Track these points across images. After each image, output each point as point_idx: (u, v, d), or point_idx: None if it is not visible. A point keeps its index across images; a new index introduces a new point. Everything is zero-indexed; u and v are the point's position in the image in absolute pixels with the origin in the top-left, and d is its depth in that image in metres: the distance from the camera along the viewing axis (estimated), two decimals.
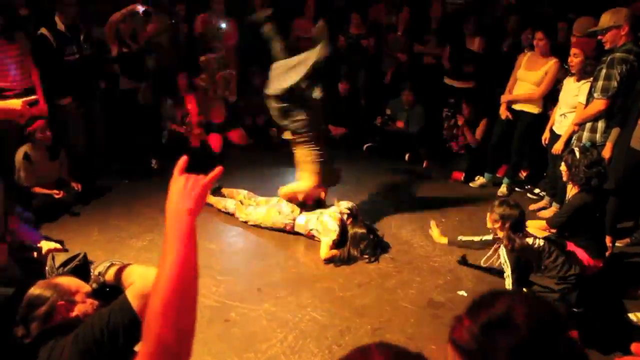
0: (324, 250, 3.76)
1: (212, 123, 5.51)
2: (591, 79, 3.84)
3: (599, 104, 3.67)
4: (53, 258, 2.41)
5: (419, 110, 5.83)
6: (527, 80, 4.57)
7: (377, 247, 3.88)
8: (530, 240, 2.99)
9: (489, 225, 3.15)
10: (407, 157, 5.78)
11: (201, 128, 5.31)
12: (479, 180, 5.17)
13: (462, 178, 5.26)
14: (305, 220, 4.01)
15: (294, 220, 4.04)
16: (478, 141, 5.40)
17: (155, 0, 5.22)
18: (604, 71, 3.61)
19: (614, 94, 3.59)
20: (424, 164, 5.60)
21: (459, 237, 3.61)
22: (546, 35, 4.42)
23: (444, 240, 3.63)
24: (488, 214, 3.15)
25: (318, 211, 4.05)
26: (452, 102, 5.66)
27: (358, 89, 6.35)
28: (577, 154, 3.19)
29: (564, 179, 3.36)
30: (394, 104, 5.97)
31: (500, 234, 3.07)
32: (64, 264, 2.35)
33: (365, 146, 6.03)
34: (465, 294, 3.45)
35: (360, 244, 3.80)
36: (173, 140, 5.25)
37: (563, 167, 3.30)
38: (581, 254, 3.21)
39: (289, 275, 3.59)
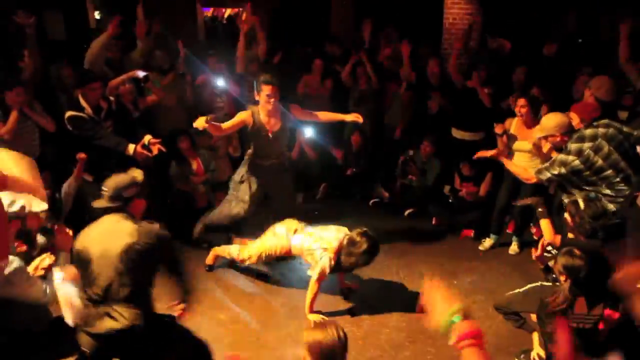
0: (309, 293, 3.70)
1: (218, 182, 5.52)
2: None
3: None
4: None
5: (436, 163, 5.78)
6: (523, 149, 4.51)
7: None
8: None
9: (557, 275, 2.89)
10: (407, 212, 5.74)
11: (207, 187, 5.33)
12: (487, 242, 5.07)
13: (473, 235, 5.19)
14: (301, 240, 3.85)
15: (289, 241, 3.89)
16: (483, 197, 5.34)
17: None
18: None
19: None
20: (434, 221, 5.55)
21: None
22: (529, 102, 4.39)
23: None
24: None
25: (317, 230, 3.88)
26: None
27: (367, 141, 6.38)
28: (581, 204, 3.08)
29: (568, 228, 3.26)
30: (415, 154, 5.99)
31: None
32: None
33: (371, 201, 6.01)
34: None
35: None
36: (179, 200, 5.25)
37: (567, 216, 3.20)
38: None
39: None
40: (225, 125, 4.01)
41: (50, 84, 4.88)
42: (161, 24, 6.05)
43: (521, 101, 4.41)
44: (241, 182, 4.33)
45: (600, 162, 3.42)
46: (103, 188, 2.66)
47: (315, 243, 3.74)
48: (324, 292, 4.10)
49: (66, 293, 2.61)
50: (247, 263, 4.13)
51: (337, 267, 3.72)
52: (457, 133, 5.67)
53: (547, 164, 3.72)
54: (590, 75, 5.00)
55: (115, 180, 2.63)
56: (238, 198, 4.35)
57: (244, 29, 5.61)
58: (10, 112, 4.19)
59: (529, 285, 3.20)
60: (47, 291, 2.63)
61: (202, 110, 5.65)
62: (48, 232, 3.22)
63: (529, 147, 4.44)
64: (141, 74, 4.69)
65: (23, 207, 2.43)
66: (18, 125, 4.21)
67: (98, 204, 2.62)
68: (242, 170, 4.37)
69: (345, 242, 3.69)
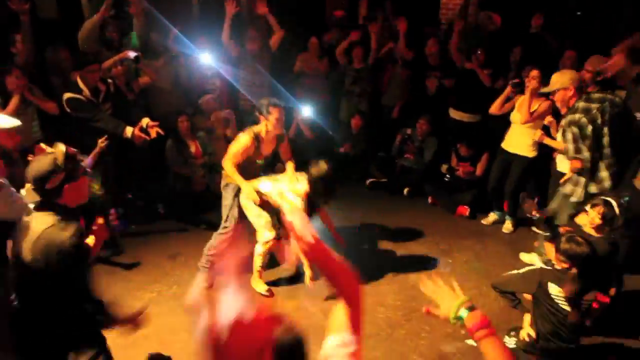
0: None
1: (216, 163, 5.54)
2: None
3: (574, 164, 3.76)
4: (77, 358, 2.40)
5: (433, 141, 5.83)
6: (518, 121, 4.61)
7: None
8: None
9: (556, 264, 2.84)
10: (405, 191, 5.79)
11: (205, 170, 5.34)
12: (491, 217, 5.17)
13: (468, 213, 5.27)
14: (270, 185, 3.77)
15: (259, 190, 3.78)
16: (479, 176, 5.40)
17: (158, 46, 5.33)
18: (560, 137, 3.83)
19: (576, 153, 3.69)
20: (430, 200, 5.61)
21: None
22: (541, 74, 4.40)
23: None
24: (552, 251, 2.93)
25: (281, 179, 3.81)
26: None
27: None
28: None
29: (589, 225, 3.23)
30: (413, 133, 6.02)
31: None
32: None
33: (368, 181, 6.06)
34: (474, 344, 3.42)
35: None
36: (178, 183, 5.28)
37: (597, 215, 3.16)
38: None
39: (299, 327, 3.58)
40: (236, 157, 3.80)
41: (44, 67, 4.83)
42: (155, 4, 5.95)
43: (534, 72, 4.42)
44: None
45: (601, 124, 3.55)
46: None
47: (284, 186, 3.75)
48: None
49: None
50: (269, 241, 3.88)
51: (310, 206, 3.72)
52: (455, 114, 5.68)
53: (565, 140, 3.73)
54: (576, 50, 5.03)
55: (33, 169, 2.15)
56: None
57: (229, 13, 5.43)
58: (10, 98, 4.15)
59: (528, 268, 3.22)
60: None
61: (196, 92, 5.66)
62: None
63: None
64: (132, 54, 4.65)
65: None
66: (17, 112, 4.18)
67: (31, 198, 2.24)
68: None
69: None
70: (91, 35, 4.79)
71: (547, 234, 3.90)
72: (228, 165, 3.79)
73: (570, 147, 3.71)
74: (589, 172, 3.72)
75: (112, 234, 2.56)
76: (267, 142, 3.90)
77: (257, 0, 5.53)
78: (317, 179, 3.58)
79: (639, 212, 3.66)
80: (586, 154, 3.66)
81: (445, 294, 1.54)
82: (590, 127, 3.58)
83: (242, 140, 3.79)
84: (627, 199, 3.28)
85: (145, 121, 4.19)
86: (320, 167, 3.56)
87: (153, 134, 4.18)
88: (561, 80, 3.73)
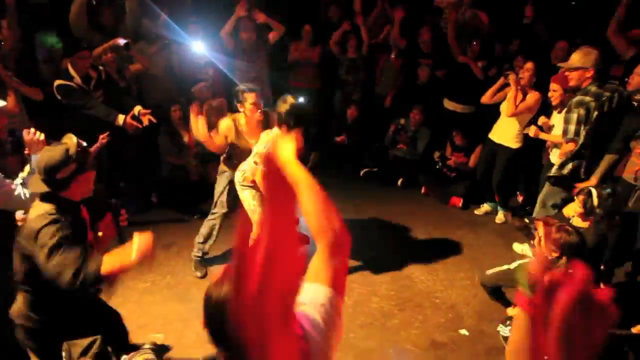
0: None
1: (208, 153, 5.51)
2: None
3: (567, 146, 3.78)
4: (69, 350, 2.39)
5: (426, 131, 5.83)
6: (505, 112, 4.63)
7: None
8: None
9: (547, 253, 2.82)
10: (399, 182, 5.81)
11: (198, 159, 5.30)
12: (484, 207, 5.22)
13: (461, 204, 5.30)
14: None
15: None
16: (472, 167, 5.42)
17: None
18: (564, 115, 3.80)
19: (576, 135, 3.69)
20: (423, 190, 5.63)
21: (488, 272, 3.44)
22: (536, 67, 4.46)
23: None
24: (540, 241, 2.87)
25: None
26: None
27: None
28: (595, 198, 3.15)
29: (569, 213, 3.35)
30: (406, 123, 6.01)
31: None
32: (84, 352, 2.33)
33: (362, 171, 6.06)
34: (467, 333, 3.49)
35: None
36: (172, 173, 5.25)
37: (579, 204, 3.25)
38: None
39: None
40: (218, 140, 3.79)
41: (33, 54, 4.74)
42: None
43: (529, 64, 4.48)
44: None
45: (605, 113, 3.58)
46: (33, 168, 2.27)
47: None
48: None
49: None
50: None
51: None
52: (449, 105, 5.68)
53: (567, 119, 3.75)
54: (569, 41, 5.04)
55: (44, 159, 2.13)
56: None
57: (237, 14, 5.35)
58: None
59: (519, 262, 3.25)
60: (27, 195, 2.47)
61: (189, 80, 5.60)
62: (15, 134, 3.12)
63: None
64: (122, 41, 4.58)
65: None
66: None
67: (36, 188, 2.19)
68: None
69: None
70: (79, 17, 4.67)
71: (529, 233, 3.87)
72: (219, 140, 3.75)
73: (572, 127, 3.67)
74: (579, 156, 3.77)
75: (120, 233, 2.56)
76: (251, 129, 3.79)
77: (255, 11, 5.43)
78: (287, 115, 3.37)
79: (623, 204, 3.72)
80: (583, 138, 3.67)
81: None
82: (595, 113, 3.59)
83: (222, 123, 3.78)
84: (608, 190, 3.29)
85: (137, 109, 4.16)
86: (288, 101, 3.40)
87: (145, 122, 4.16)
88: (583, 60, 3.66)
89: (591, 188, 3.27)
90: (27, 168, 2.64)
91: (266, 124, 3.76)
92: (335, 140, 6.17)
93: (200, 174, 5.28)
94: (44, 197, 2.15)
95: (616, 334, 2.81)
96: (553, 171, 3.92)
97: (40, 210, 2.10)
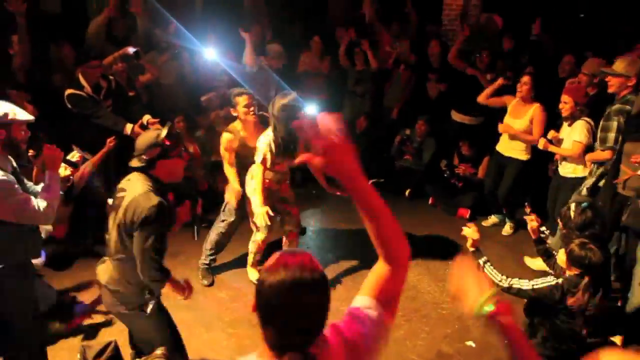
0: (256, 179, 3.59)
1: (216, 162, 5.55)
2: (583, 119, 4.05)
3: (603, 154, 3.75)
4: (84, 351, 2.46)
5: (432, 142, 5.84)
6: (513, 127, 4.61)
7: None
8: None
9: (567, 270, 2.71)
10: (407, 193, 5.80)
11: (206, 169, 5.35)
12: (491, 219, 5.20)
13: (468, 215, 5.28)
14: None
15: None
16: (480, 178, 5.41)
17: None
18: (601, 123, 3.78)
19: (615, 143, 3.67)
20: (430, 201, 5.62)
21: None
22: (532, 80, 4.46)
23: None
24: (562, 256, 2.76)
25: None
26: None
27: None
28: (572, 212, 3.01)
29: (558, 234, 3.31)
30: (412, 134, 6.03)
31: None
32: (98, 354, 2.40)
33: (370, 182, 6.04)
34: (474, 345, 3.47)
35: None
36: (184, 185, 5.28)
37: (559, 221, 3.18)
38: None
39: None
40: (230, 162, 3.85)
41: (47, 65, 4.84)
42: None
43: (525, 78, 4.49)
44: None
45: None
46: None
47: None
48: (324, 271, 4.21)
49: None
50: (258, 242, 3.97)
51: (283, 148, 3.60)
52: (457, 116, 5.69)
53: (605, 127, 3.74)
54: (575, 54, 5.05)
55: (141, 139, 2.48)
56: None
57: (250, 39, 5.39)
58: None
59: (543, 283, 2.77)
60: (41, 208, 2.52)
61: (202, 88, 5.66)
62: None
63: (521, 126, 4.54)
64: (131, 50, 4.65)
65: (6, 114, 2.40)
66: None
67: (131, 163, 2.47)
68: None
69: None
70: (97, 36, 4.80)
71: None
72: (228, 170, 3.82)
73: (612, 135, 3.65)
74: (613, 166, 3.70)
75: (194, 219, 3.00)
76: (250, 133, 3.81)
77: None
78: (282, 109, 3.44)
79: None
80: (617, 146, 3.64)
81: (474, 284, 1.42)
82: None
83: (223, 138, 3.82)
84: (585, 204, 3.10)
85: (145, 118, 4.21)
86: (289, 96, 3.49)
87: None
88: (628, 68, 3.66)
89: (571, 204, 3.16)
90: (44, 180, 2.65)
91: (263, 125, 3.79)
92: None
93: (208, 183, 5.32)
94: (138, 169, 2.43)
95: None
96: (588, 183, 3.90)
97: (140, 188, 2.35)
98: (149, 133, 2.49)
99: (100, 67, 4.35)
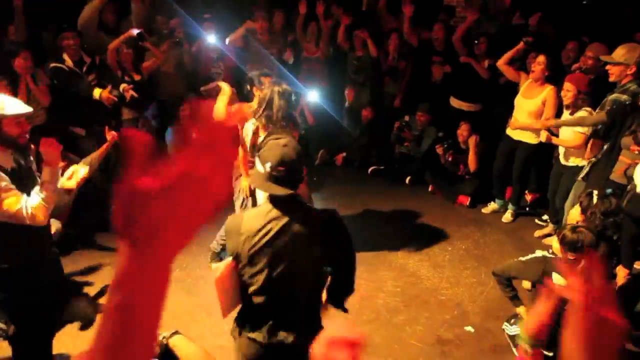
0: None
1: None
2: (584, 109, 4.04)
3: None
4: None
5: (433, 130, 5.81)
6: (523, 108, 4.58)
7: None
8: None
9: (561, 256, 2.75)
10: (407, 180, 5.80)
11: None
12: (491, 206, 5.20)
13: (468, 203, 5.29)
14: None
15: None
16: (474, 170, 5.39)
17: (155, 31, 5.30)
18: (597, 111, 3.83)
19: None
20: (430, 188, 5.63)
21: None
22: (548, 60, 4.41)
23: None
24: (556, 243, 2.81)
25: None
26: (442, 135, 5.60)
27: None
28: (595, 198, 3.10)
29: (571, 219, 3.31)
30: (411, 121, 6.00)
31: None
32: None
33: (370, 169, 6.07)
34: (472, 330, 3.50)
35: None
36: None
37: (577, 210, 3.21)
38: None
39: None
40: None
41: (43, 52, 4.84)
42: None
43: (541, 57, 4.41)
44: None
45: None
46: (268, 165, 1.97)
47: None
48: None
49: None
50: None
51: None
52: (455, 102, 5.67)
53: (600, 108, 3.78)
54: (579, 40, 5.00)
55: (281, 154, 1.94)
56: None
57: (246, 26, 5.45)
58: (16, 79, 4.17)
59: (532, 255, 3.11)
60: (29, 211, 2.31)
61: (200, 76, 5.64)
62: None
63: (533, 106, 4.50)
64: (135, 31, 4.68)
65: None
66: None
67: (275, 190, 1.97)
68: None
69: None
70: (91, 21, 4.76)
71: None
72: (244, 158, 3.68)
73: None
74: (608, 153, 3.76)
75: None
76: None
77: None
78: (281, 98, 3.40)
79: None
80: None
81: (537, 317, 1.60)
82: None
83: (249, 126, 3.62)
84: (609, 191, 3.19)
85: (122, 86, 4.47)
86: (282, 85, 3.48)
87: (128, 97, 4.48)
88: (627, 56, 3.65)
89: (593, 190, 3.22)
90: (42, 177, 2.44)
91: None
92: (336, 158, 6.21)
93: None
94: (287, 201, 2.01)
95: None
96: (584, 172, 3.97)
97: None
98: (284, 144, 2.01)
99: (75, 39, 4.45)
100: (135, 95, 4.49)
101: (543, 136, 4.21)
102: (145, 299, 0.66)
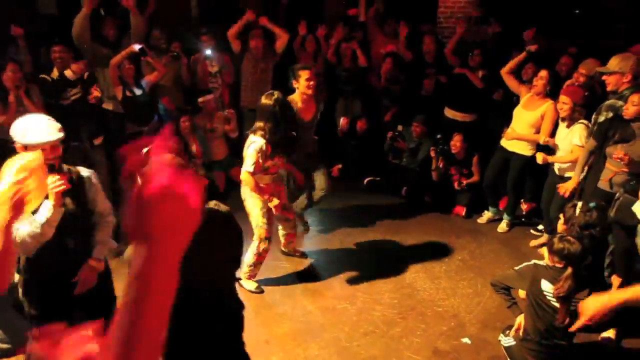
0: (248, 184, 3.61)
1: (214, 161, 5.59)
2: (581, 122, 4.12)
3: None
4: None
5: (430, 142, 5.84)
6: (523, 119, 4.64)
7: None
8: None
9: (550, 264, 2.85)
10: (403, 191, 5.82)
11: (205, 169, 5.37)
12: (486, 214, 5.24)
13: (464, 213, 5.33)
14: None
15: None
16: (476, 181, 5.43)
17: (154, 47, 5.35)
18: (593, 117, 3.89)
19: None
20: (426, 199, 5.65)
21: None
22: (550, 75, 4.48)
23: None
24: (546, 253, 2.91)
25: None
26: (439, 137, 5.62)
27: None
28: (577, 210, 3.14)
29: (559, 229, 3.36)
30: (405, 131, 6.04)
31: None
32: None
33: (366, 180, 6.10)
34: (469, 342, 3.51)
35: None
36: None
37: (561, 220, 3.29)
38: None
39: (297, 325, 3.63)
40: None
41: (42, 69, 4.88)
42: (156, 2, 5.94)
43: (543, 72, 4.49)
44: None
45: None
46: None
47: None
48: (323, 270, 4.26)
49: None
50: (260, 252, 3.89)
51: (274, 148, 3.60)
52: (449, 113, 5.72)
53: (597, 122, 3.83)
54: (571, 56, 5.08)
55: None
56: None
57: (246, 18, 5.46)
58: (7, 95, 4.18)
59: (524, 264, 3.12)
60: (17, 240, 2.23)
61: (198, 90, 5.68)
62: None
63: (531, 118, 4.55)
64: (137, 46, 4.70)
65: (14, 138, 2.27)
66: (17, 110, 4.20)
67: None
68: None
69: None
70: (83, 31, 4.75)
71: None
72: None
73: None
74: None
75: None
76: (306, 106, 4.09)
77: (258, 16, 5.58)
78: (274, 107, 3.49)
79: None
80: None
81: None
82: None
83: (256, 145, 3.55)
84: (593, 204, 3.18)
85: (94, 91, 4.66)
86: (274, 94, 3.57)
87: (91, 98, 4.62)
88: (621, 64, 3.73)
89: (577, 202, 3.25)
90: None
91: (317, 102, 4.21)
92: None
93: (209, 181, 5.34)
94: None
95: None
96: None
97: None
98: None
99: (63, 53, 4.53)
100: (98, 94, 4.67)
101: (539, 158, 4.26)
102: (156, 295, 0.74)
